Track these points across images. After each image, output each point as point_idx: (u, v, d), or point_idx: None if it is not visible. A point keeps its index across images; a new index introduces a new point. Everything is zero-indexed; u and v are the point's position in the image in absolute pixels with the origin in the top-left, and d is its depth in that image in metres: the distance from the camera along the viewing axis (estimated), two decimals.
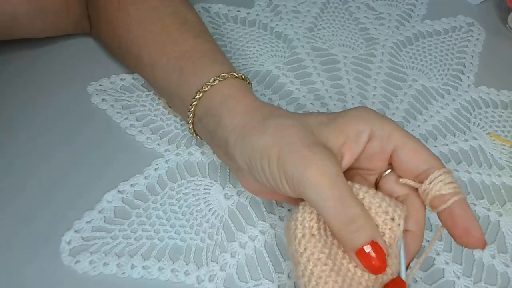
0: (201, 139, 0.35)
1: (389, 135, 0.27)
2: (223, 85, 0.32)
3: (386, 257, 0.25)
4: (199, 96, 0.32)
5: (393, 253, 0.26)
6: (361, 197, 0.26)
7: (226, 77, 0.32)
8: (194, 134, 0.35)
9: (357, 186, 0.27)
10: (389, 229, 0.26)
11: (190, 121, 0.34)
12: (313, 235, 0.26)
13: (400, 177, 0.28)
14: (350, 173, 0.29)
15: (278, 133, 0.27)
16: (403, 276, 0.26)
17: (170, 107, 0.40)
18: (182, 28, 0.36)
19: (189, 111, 0.33)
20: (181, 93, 0.34)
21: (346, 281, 0.25)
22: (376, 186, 0.29)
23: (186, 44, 0.35)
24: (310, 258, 0.26)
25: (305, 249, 0.26)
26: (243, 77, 0.33)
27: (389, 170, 0.29)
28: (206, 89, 0.32)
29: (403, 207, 0.27)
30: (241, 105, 0.31)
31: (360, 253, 0.25)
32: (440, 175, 0.26)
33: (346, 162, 0.28)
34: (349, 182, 0.26)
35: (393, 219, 0.26)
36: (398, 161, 0.27)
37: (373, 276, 0.26)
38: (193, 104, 0.32)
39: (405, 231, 0.27)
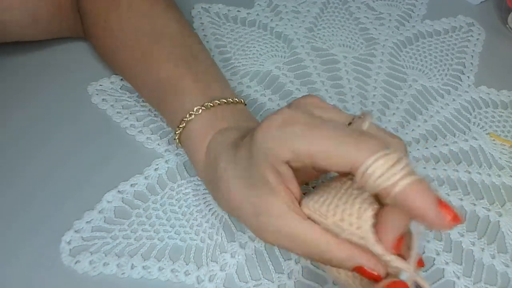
0: None
1: (296, 155, 0.23)
2: (187, 130, 0.32)
3: (375, 266, 0.24)
4: (179, 131, 0.33)
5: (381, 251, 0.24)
6: (325, 215, 0.24)
7: (189, 119, 0.32)
8: None
9: (318, 202, 0.25)
10: (364, 220, 0.23)
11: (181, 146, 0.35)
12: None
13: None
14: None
15: (226, 190, 0.28)
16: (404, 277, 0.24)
17: None
18: (155, 51, 0.35)
19: (174, 140, 0.34)
20: (168, 121, 0.36)
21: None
22: None
23: (159, 73, 0.35)
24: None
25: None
26: (212, 104, 0.32)
27: None
28: (183, 125, 0.32)
29: (368, 207, 0.24)
30: (199, 154, 0.31)
31: (355, 270, 0.25)
32: (364, 173, 0.22)
33: (294, 191, 0.26)
34: (309, 198, 0.25)
35: (365, 210, 0.23)
36: (325, 171, 0.24)
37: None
38: (176, 138, 0.34)
39: (383, 207, 0.24)
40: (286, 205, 0.25)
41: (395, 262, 0.23)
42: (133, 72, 0.37)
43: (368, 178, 0.22)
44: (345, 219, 0.24)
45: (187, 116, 0.32)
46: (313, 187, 0.36)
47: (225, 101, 0.33)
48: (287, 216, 0.25)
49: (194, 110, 0.32)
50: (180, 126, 0.33)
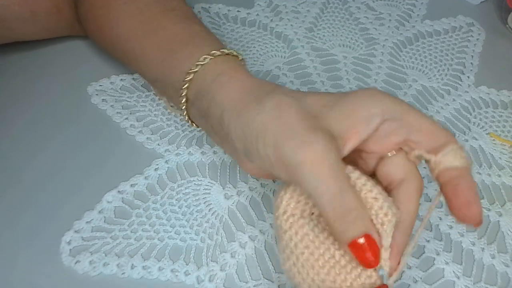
0: (197, 126, 0.34)
1: (403, 117, 0.26)
2: (215, 62, 0.31)
3: (379, 251, 0.25)
4: (190, 77, 0.31)
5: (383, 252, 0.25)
6: (358, 189, 0.26)
7: (216, 54, 0.31)
8: (190, 122, 0.34)
9: (355, 175, 0.26)
10: (380, 224, 0.25)
11: (184, 107, 0.32)
12: (303, 217, 0.26)
13: (413, 149, 0.27)
14: (350, 156, 0.28)
15: (276, 111, 0.26)
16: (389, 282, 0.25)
17: (171, 106, 0.40)
18: (170, 14, 0.36)
19: (181, 96, 0.31)
20: (173, 79, 0.32)
21: (325, 267, 0.25)
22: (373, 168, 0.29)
23: (175, 28, 0.34)
24: (293, 238, 0.25)
25: (290, 227, 0.25)
26: (235, 53, 0.32)
27: (394, 152, 0.27)
28: (197, 69, 0.31)
29: (396, 210, 0.26)
30: (235, 80, 0.29)
31: (353, 245, 0.24)
32: (453, 149, 0.26)
33: (350, 147, 0.26)
34: (349, 167, 0.26)
35: (386, 214, 0.25)
36: (412, 143, 0.26)
37: (356, 272, 0.25)
38: (184, 87, 0.31)
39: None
40: (337, 154, 0.25)
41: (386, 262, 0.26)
42: (139, 36, 0.35)
43: (451, 154, 0.26)
44: (379, 201, 0.26)
45: (211, 54, 0.31)
46: None
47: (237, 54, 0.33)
48: (334, 155, 0.25)
49: (220, 51, 0.31)
50: (198, 63, 0.31)
